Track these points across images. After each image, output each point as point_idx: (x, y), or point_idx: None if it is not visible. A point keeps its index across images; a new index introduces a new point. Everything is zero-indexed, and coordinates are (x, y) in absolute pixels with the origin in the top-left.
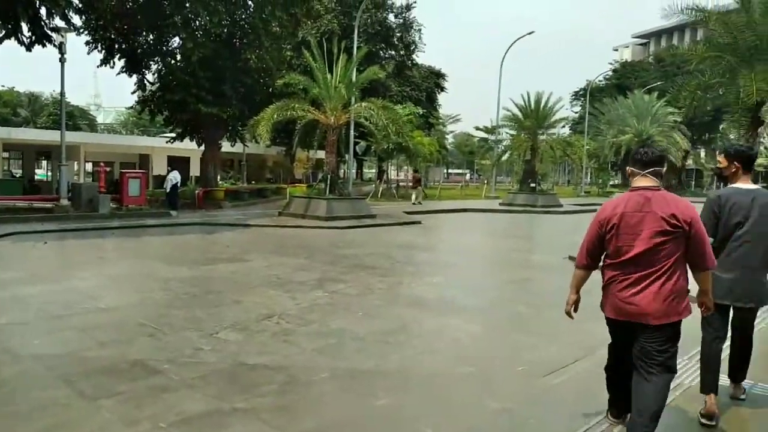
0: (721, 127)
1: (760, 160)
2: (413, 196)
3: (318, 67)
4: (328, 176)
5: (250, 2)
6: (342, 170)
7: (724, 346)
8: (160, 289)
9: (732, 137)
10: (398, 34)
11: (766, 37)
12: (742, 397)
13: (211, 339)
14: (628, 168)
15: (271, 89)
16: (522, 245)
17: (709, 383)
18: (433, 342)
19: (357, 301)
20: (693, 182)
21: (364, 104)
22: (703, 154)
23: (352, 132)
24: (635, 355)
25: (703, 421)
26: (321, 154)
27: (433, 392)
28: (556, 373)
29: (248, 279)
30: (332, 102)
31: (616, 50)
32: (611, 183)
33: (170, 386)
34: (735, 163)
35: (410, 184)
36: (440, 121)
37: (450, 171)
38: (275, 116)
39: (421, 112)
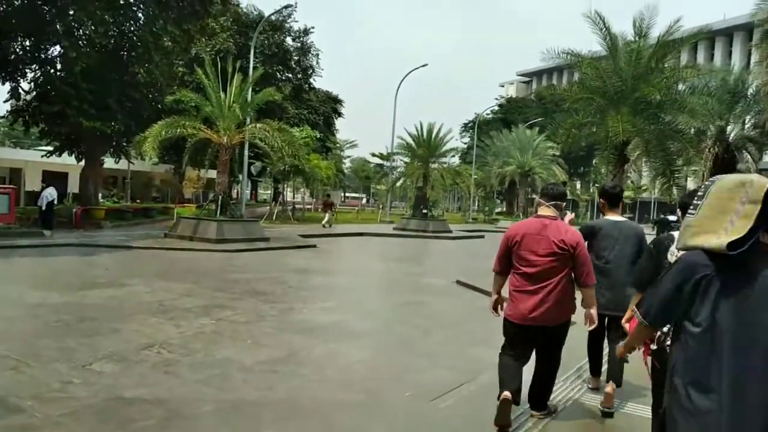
0: (594, 161)
1: (627, 193)
2: (325, 219)
3: (211, 85)
4: (220, 197)
5: (140, 14)
6: (235, 191)
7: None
8: (27, 316)
9: (603, 171)
10: (296, 58)
11: (630, 83)
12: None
13: (84, 371)
14: (537, 199)
15: (160, 105)
16: (414, 269)
17: (593, 367)
18: (323, 369)
19: (245, 329)
20: (569, 211)
21: (259, 125)
22: (578, 185)
23: (246, 152)
24: (537, 350)
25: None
26: (213, 173)
27: (321, 421)
28: (443, 397)
29: (128, 305)
30: (225, 121)
31: (502, 86)
32: (497, 210)
33: (33, 425)
34: (602, 199)
35: (321, 207)
36: (337, 145)
37: (347, 194)
38: (164, 133)
39: (318, 136)
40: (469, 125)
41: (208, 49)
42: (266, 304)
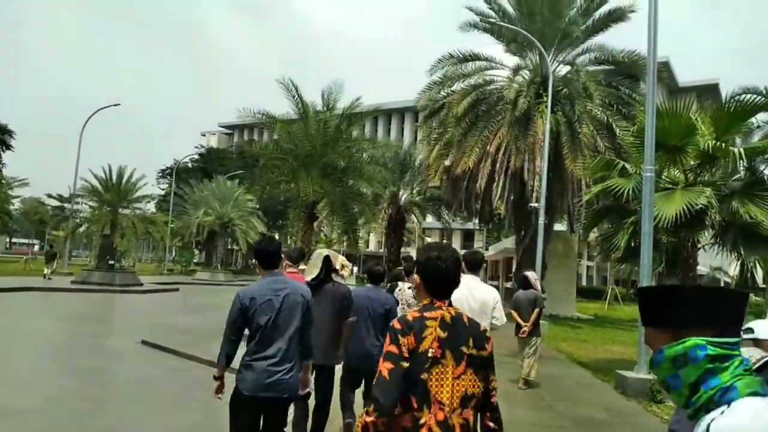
0: (290, 216)
1: (320, 245)
2: (46, 270)
3: None
4: None
5: None
6: None
7: None
8: None
9: (296, 226)
10: None
11: (319, 148)
12: None
13: None
14: (285, 261)
15: None
16: (92, 329)
17: None
18: None
19: None
20: None
21: None
22: (277, 237)
23: None
24: None
25: None
26: None
27: None
28: None
29: None
30: None
31: (204, 135)
32: (195, 261)
33: None
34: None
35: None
36: (4, 182)
37: (14, 240)
38: None
39: None
40: (167, 172)
41: None
42: None
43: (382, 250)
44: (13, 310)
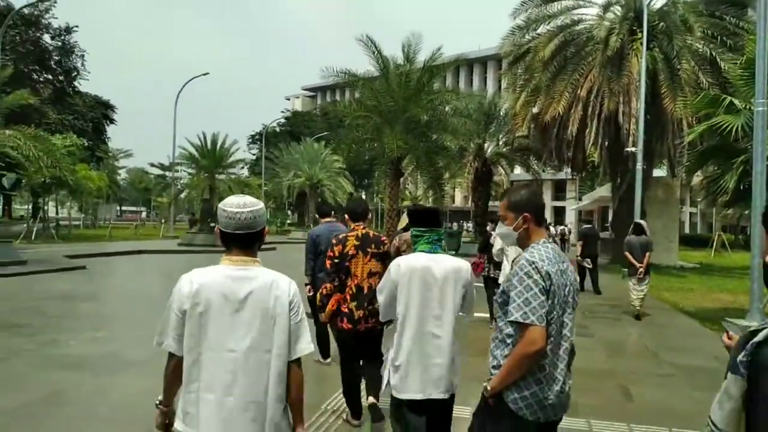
0: (376, 174)
1: (406, 202)
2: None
3: None
4: None
5: None
6: None
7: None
8: None
9: (382, 184)
10: (57, 58)
11: (402, 103)
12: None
13: None
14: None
15: None
16: None
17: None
18: (93, 406)
19: None
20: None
21: (8, 132)
22: (364, 196)
23: None
24: None
25: None
26: None
27: None
28: None
29: None
30: None
31: (288, 99)
32: (288, 222)
33: None
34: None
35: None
36: (110, 154)
37: (124, 208)
38: None
39: (85, 144)
40: (257, 137)
41: None
42: (21, 338)
43: (468, 205)
44: (127, 272)
